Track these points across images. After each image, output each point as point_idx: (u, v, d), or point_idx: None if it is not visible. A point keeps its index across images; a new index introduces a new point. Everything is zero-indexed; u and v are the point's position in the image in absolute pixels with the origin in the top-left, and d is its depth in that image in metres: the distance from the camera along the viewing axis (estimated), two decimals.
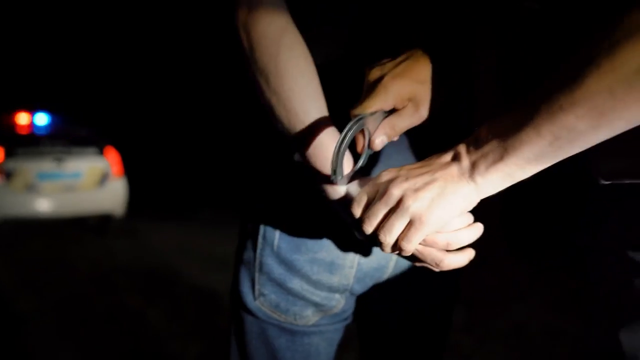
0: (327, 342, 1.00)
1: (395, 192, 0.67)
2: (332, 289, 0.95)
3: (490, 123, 0.64)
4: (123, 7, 13.37)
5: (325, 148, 0.77)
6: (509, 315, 3.50)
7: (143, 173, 8.74)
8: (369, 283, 0.98)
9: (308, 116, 0.78)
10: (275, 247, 0.94)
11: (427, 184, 0.66)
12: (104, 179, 6.78)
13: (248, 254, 0.98)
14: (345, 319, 1.02)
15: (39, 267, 5.12)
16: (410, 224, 0.66)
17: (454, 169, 0.66)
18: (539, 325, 3.32)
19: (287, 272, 0.94)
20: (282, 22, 0.80)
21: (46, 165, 6.46)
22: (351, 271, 0.95)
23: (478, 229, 0.69)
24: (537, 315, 3.51)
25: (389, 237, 0.68)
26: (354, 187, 0.76)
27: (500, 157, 0.62)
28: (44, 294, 4.23)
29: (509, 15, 0.90)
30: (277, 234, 0.93)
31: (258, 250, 0.95)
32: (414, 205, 0.65)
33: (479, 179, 0.64)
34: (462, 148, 0.66)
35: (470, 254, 0.71)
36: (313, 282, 0.94)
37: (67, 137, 7.04)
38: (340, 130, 0.72)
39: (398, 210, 0.66)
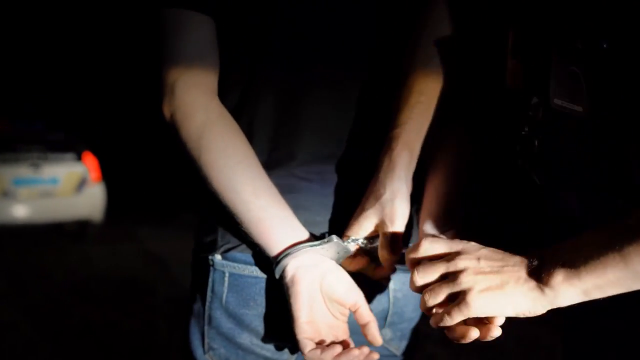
0: None
1: (460, 263, 0.70)
2: (282, 342, 0.94)
3: (574, 241, 0.67)
4: (102, 14, 13.27)
5: (267, 232, 0.85)
6: None
7: (122, 178, 8.66)
8: None
9: (243, 209, 0.84)
10: (223, 301, 0.93)
11: (492, 272, 0.68)
12: (81, 184, 6.71)
13: (198, 307, 0.97)
14: None
15: (14, 275, 5.05)
16: (458, 301, 0.69)
17: (524, 270, 0.68)
18: (514, 336, 3.35)
19: (236, 327, 0.93)
20: (200, 120, 0.85)
21: (23, 170, 6.38)
22: None
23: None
24: (513, 326, 3.52)
25: (432, 300, 0.71)
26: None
27: (578, 275, 0.64)
28: (18, 304, 4.17)
29: None
30: (225, 287, 0.93)
31: (207, 304, 0.94)
32: (467, 284, 0.68)
33: (548, 289, 0.65)
34: (542, 254, 0.68)
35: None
36: (264, 336, 0.93)
37: (44, 143, 6.96)
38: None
39: (454, 281, 0.69)
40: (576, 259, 0.64)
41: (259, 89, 0.93)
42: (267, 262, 0.88)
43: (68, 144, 7.04)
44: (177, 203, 8.57)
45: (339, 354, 0.78)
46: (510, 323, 0.83)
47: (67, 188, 6.60)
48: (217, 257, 0.93)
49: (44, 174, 6.49)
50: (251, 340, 0.93)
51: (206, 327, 0.94)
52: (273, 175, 0.89)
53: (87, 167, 6.84)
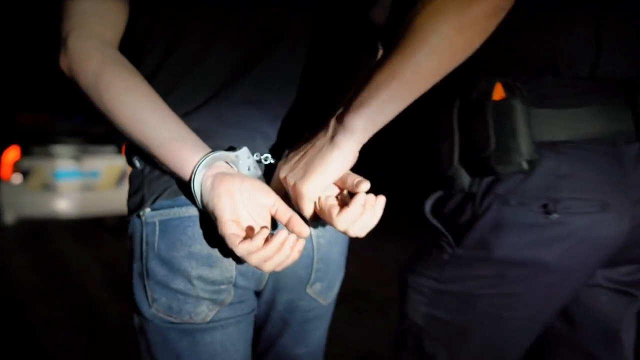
0: (232, 338, 0.99)
1: (282, 175, 0.87)
2: (215, 283, 0.94)
3: (360, 82, 0.80)
4: None
5: (179, 150, 0.86)
6: None
7: None
8: (254, 277, 0.99)
9: (153, 134, 0.85)
10: (156, 250, 0.93)
11: (298, 161, 0.84)
12: (122, 178, 6.61)
13: (137, 264, 0.97)
14: (249, 312, 1.01)
15: (52, 271, 4.94)
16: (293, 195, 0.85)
17: (326, 138, 0.82)
18: None
19: (169, 272, 0.93)
20: (96, 63, 0.86)
21: (63, 163, 6.30)
22: (232, 263, 0.95)
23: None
24: None
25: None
26: None
27: (361, 104, 0.77)
28: (55, 300, 4.02)
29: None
30: (156, 236, 0.93)
31: (144, 257, 0.95)
32: (290, 181, 0.84)
33: (348, 132, 0.79)
34: (339, 110, 0.82)
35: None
36: (195, 278, 0.93)
37: (85, 135, 6.88)
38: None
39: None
40: (359, 94, 0.78)
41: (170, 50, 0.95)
42: (189, 198, 0.92)
43: (108, 137, 6.95)
44: None
45: (269, 237, 0.80)
46: None
47: (107, 181, 6.50)
48: (147, 210, 0.95)
49: (84, 167, 6.40)
50: (185, 285, 0.93)
51: (146, 281, 0.95)
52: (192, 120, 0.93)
53: None
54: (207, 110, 0.94)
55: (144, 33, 0.95)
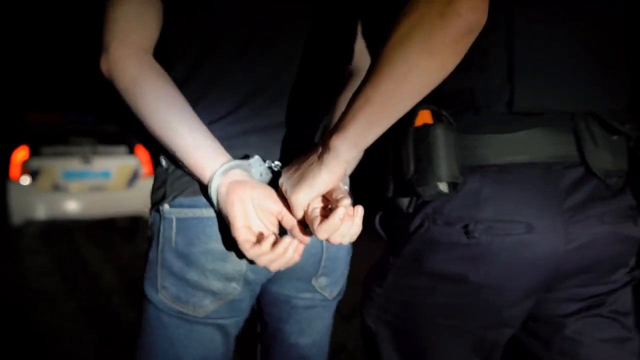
0: (222, 332, 1.08)
1: (280, 182, 0.97)
2: (227, 277, 1.04)
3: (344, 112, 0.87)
4: None
5: (202, 158, 0.95)
6: None
7: None
8: (264, 271, 1.08)
9: (179, 141, 0.95)
10: (173, 243, 1.02)
11: (294, 173, 0.94)
12: (133, 178, 6.46)
13: (152, 253, 1.05)
14: (242, 312, 1.10)
15: (63, 275, 4.80)
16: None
17: (315, 158, 0.91)
18: None
19: (185, 265, 1.02)
20: (134, 70, 0.95)
21: (73, 163, 6.16)
22: (243, 258, 1.04)
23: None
24: None
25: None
26: None
27: (344, 130, 0.84)
28: (65, 307, 3.87)
29: None
30: (174, 231, 1.02)
31: (159, 248, 1.03)
32: (285, 189, 0.95)
33: (332, 153, 0.86)
34: (325, 137, 0.89)
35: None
36: (209, 271, 1.02)
37: (96, 135, 6.73)
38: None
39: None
40: (341, 121, 0.85)
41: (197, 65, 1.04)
42: (207, 201, 1.00)
43: (120, 137, 6.80)
44: None
45: (276, 242, 0.90)
46: None
47: (118, 182, 6.35)
48: (166, 206, 1.03)
49: (95, 167, 6.26)
50: (199, 277, 1.02)
51: (159, 270, 1.03)
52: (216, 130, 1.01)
53: (140, 160, 6.57)
54: (230, 120, 1.04)
55: (176, 42, 1.03)
